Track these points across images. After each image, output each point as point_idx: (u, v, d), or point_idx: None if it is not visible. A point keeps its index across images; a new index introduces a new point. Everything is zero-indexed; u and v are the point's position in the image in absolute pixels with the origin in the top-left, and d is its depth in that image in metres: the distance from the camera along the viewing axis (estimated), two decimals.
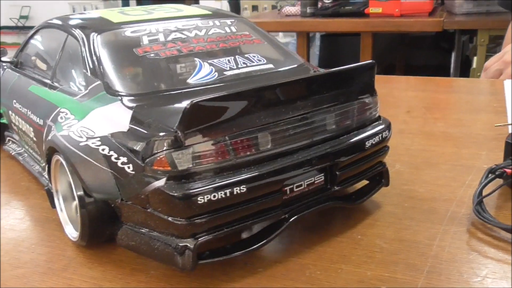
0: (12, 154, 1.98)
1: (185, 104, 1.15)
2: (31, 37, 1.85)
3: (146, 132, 1.15)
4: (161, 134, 1.11)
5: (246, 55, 1.47)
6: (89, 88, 1.37)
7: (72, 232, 1.39)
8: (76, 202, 1.42)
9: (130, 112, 1.23)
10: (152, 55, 1.40)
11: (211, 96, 1.09)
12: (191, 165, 1.10)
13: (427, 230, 1.36)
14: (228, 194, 1.11)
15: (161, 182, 1.10)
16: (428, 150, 1.89)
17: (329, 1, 7.05)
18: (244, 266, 1.26)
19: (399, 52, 6.92)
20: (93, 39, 1.45)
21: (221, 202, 1.11)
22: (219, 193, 1.10)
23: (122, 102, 1.27)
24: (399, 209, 1.48)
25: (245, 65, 1.42)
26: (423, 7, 5.58)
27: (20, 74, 1.84)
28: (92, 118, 1.29)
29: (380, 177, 1.45)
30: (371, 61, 1.33)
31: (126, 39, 1.46)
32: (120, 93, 1.30)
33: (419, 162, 1.78)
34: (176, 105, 1.25)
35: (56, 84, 1.55)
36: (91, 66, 1.39)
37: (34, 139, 1.66)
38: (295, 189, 1.25)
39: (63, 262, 1.34)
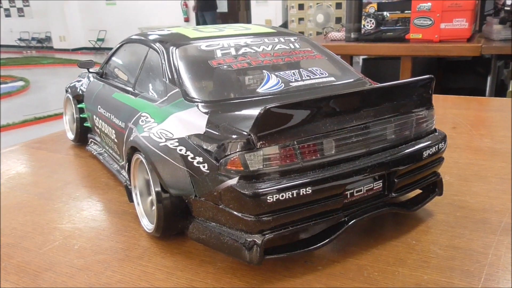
0: (94, 154, 2.01)
1: (257, 110, 1.13)
2: (116, 51, 1.89)
3: (221, 134, 1.13)
4: (235, 136, 1.09)
5: (309, 69, 1.43)
6: (168, 95, 1.37)
7: (147, 224, 1.38)
8: (151, 197, 1.42)
9: (206, 116, 1.21)
10: (225, 66, 1.39)
11: (283, 103, 1.06)
12: (261, 166, 1.07)
13: (480, 239, 1.27)
14: (294, 195, 1.07)
15: (233, 181, 1.08)
16: (476, 164, 1.78)
17: (371, 28, 6.93)
18: (304, 264, 1.21)
19: (436, 76, 6.71)
20: (172, 52, 1.45)
21: (288, 201, 1.07)
22: (287, 193, 1.07)
23: (198, 108, 1.26)
24: (451, 218, 1.39)
25: (308, 78, 1.39)
26: (462, 34, 5.38)
27: (105, 83, 1.87)
28: (171, 121, 1.29)
29: (434, 187, 1.37)
30: (429, 76, 1.26)
31: (202, 52, 1.46)
32: (196, 100, 1.29)
33: (468, 175, 1.68)
34: (248, 111, 1.23)
35: (137, 91, 1.56)
36: (170, 76, 1.39)
37: (115, 140, 1.68)
38: (355, 194, 1.20)
39: (139, 251, 1.33)
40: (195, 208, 1.23)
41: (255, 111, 1.20)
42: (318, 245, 1.15)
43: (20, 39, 15.11)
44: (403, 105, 1.25)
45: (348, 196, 1.18)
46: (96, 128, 1.96)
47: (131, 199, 1.51)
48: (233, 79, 1.38)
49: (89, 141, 2.12)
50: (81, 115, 2.12)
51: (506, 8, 5.61)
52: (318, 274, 1.17)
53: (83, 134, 2.17)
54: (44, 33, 14.74)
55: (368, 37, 5.69)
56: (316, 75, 1.41)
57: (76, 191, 1.76)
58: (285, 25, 12.35)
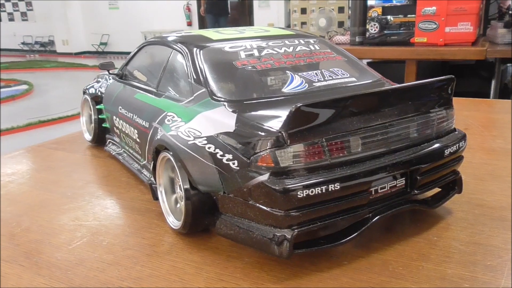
0: (113, 154, 2.05)
1: (284, 109, 1.17)
2: (136, 53, 1.92)
3: (251, 132, 1.17)
4: (266, 134, 1.13)
5: (330, 69, 1.47)
6: (194, 95, 1.41)
7: (173, 221, 1.42)
8: (175, 195, 1.46)
9: (235, 115, 1.25)
10: (249, 67, 1.43)
11: (313, 101, 1.10)
12: (291, 163, 1.11)
13: (500, 235, 1.31)
14: (323, 191, 1.11)
15: (264, 177, 1.11)
16: (490, 164, 1.82)
17: (375, 31, 6.97)
18: (330, 259, 1.24)
19: None
20: (197, 53, 1.49)
21: (317, 197, 1.11)
22: (316, 189, 1.10)
23: (225, 107, 1.30)
24: (470, 215, 1.43)
25: (331, 78, 1.43)
26: (466, 37, 5.41)
27: (125, 84, 1.91)
28: (198, 120, 1.32)
29: (453, 185, 1.41)
30: (451, 76, 1.30)
31: (226, 54, 1.50)
32: (223, 99, 1.33)
33: (483, 174, 1.72)
34: (275, 110, 1.26)
35: (161, 91, 1.60)
36: (196, 76, 1.43)
37: (138, 140, 1.71)
38: (379, 191, 1.23)
39: (166, 247, 1.36)
40: (223, 204, 1.26)
41: (282, 110, 1.25)
42: (345, 240, 1.19)
43: (23, 43, 15.17)
44: (425, 104, 1.29)
45: (373, 193, 1.22)
46: (115, 128, 2.00)
47: (155, 197, 1.54)
48: (257, 79, 1.42)
49: (107, 142, 2.16)
50: (99, 116, 2.15)
51: (511, 12, 5.65)
52: (344, 268, 1.20)
53: (100, 135, 2.20)
54: (47, 37, 14.79)
55: (372, 41, 5.75)
56: (338, 76, 1.45)
57: (98, 190, 1.80)
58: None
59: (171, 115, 1.44)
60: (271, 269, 1.22)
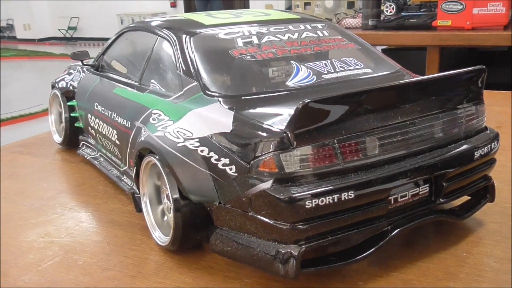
0: (87, 158, 2.06)
1: (289, 105, 1.19)
2: (115, 40, 1.94)
3: (251, 133, 1.18)
4: (268, 135, 1.14)
5: (342, 59, 1.49)
6: (184, 89, 1.42)
7: (160, 237, 1.43)
8: (162, 206, 1.47)
9: (232, 113, 1.26)
10: (248, 57, 1.44)
11: (323, 97, 1.11)
12: (298, 168, 1.12)
13: None
14: (335, 200, 1.12)
15: (267, 185, 1.12)
16: None
17: (391, 13, 7.02)
18: (343, 279, 1.26)
19: None
20: (187, 41, 1.50)
21: (328, 207, 1.12)
22: (327, 198, 1.12)
23: (221, 103, 1.31)
24: (504, 227, 1.45)
25: (342, 69, 1.45)
26: (498, 20, 5.43)
27: (102, 77, 1.92)
28: (189, 119, 1.34)
29: (484, 192, 1.43)
30: (481, 66, 1.32)
31: (220, 41, 1.51)
32: (218, 94, 1.34)
33: None
34: (279, 107, 1.28)
35: (144, 85, 1.61)
36: (186, 68, 1.44)
37: (117, 142, 1.73)
38: (399, 199, 1.25)
39: (152, 267, 1.38)
40: (219, 216, 1.28)
41: (287, 107, 1.27)
42: (360, 256, 1.20)
43: None
44: (452, 99, 1.31)
45: (392, 202, 1.24)
46: (90, 128, 2.01)
47: (138, 209, 1.55)
48: (258, 71, 1.43)
49: (81, 144, 2.17)
50: (71, 114, 2.16)
51: None
52: None
53: (72, 136, 2.21)
54: (5, 21, 14.76)
55: (388, 25, 5.78)
56: (351, 66, 1.47)
57: (71, 200, 1.81)
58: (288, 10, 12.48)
59: (156, 113, 1.46)
60: None
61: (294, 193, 1.10)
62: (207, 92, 1.36)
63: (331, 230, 1.17)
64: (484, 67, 1.33)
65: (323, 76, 1.40)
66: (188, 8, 14.53)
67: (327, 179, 1.14)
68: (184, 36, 1.53)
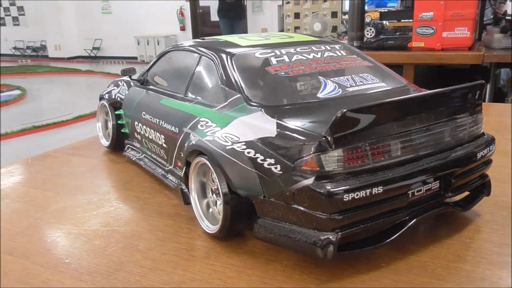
0: (133, 159, 2.05)
1: (323, 113, 1.20)
2: (158, 59, 1.94)
3: (294, 137, 1.19)
4: (310, 139, 1.15)
5: (360, 75, 1.50)
6: (228, 100, 1.42)
7: (208, 226, 1.43)
8: (207, 199, 1.48)
9: (274, 120, 1.27)
10: (282, 73, 1.45)
11: (358, 106, 1.12)
12: (336, 167, 1.13)
13: None
14: (367, 194, 1.13)
15: (309, 181, 1.13)
16: (508, 167, 1.86)
17: (371, 36, 7.04)
18: (368, 261, 1.27)
19: (435, 83, 6.85)
20: (229, 59, 1.51)
21: (361, 200, 1.13)
22: (361, 192, 1.13)
23: (263, 112, 1.32)
24: (497, 217, 1.46)
25: (362, 83, 1.45)
26: (463, 42, 5.49)
27: (148, 90, 1.91)
28: (235, 125, 1.34)
29: (482, 187, 1.44)
30: (481, 81, 1.33)
31: (257, 60, 1.52)
32: (260, 105, 1.35)
33: (504, 178, 1.76)
34: (314, 115, 1.29)
35: (190, 97, 1.61)
36: (229, 82, 1.45)
37: (164, 145, 1.72)
38: (415, 194, 1.26)
39: (203, 251, 1.37)
40: (262, 208, 1.28)
41: (321, 115, 1.28)
42: (387, 241, 1.22)
43: (15, 48, 15.03)
44: (458, 109, 1.32)
45: (410, 196, 1.24)
46: (136, 134, 2.01)
47: (186, 202, 1.56)
48: (292, 84, 1.44)
49: (126, 147, 2.16)
50: (118, 122, 2.16)
51: (507, 17, 5.73)
52: (383, 270, 1.23)
53: (118, 141, 2.21)
54: (39, 42, 14.69)
55: (370, 46, 5.82)
56: (368, 81, 1.48)
57: (123, 195, 1.80)
58: None
59: (204, 121, 1.46)
60: (311, 271, 1.24)
61: (333, 188, 1.11)
62: (250, 102, 1.37)
63: (363, 220, 1.18)
64: (483, 82, 1.35)
65: (347, 89, 1.41)
66: (195, 31, 14.55)
67: (359, 176, 1.15)
68: (225, 55, 1.54)
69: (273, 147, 1.21)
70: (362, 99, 1.37)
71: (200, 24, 14.46)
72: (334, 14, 11.93)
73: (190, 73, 1.66)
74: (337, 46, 1.67)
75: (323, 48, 1.63)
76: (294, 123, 1.24)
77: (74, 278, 1.27)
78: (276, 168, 1.20)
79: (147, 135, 1.88)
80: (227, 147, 1.31)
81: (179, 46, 1.82)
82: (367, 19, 6.44)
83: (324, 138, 1.12)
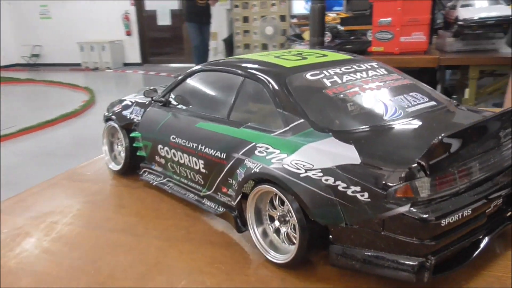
0: (153, 183, 1.95)
1: (400, 136, 1.22)
2: (184, 79, 1.85)
3: (384, 164, 1.17)
4: (404, 166, 1.14)
5: (410, 94, 1.51)
6: (290, 125, 1.38)
7: (275, 256, 1.38)
8: (263, 227, 1.44)
9: (351, 146, 1.25)
10: (341, 95, 1.43)
11: (452, 131, 1.13)
12: (430, 192, 1.13)
13: None
14: (460, 217, 1.15)
15: (405, 208, 1.12)
16: None
17: (328, 41, 7.21)
18: (445, 281, 1.27)
19: None
20: (283, 82, 1.47)
21: (454, 223, 1.15)
22: (455, 215, 1.14)
23: (335, 138, 1.29)
24: None
25: (416, 103, 1.47)
26: (419, 46, 5.77)
27: (176, 112, 1.82)
28: (306, 152, 1.31)
29: None
30: None
31: (311, 82, 1.49)
32: (329, 130, 1.32)
33: None
34: (391, 139, 1.28)
35: (236, 121, 1.55)
36: (288, 106, 1.41)
37: (202, 170, 1.65)
38: (487, 212, 1.29)
39: (277, 282, 1.33)
40: (342, 235, 1.26)
41: (398, 138, 1.28)
42: (470, 259, 1.24)
43: None
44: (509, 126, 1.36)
45: (487, 215, 1.27)
46: (159, 158, 1.90)
47: (240, 230, 1.50)
48: (354, 107, 1.42)
49: (142, 171, 2.05)
50: (134, 145, 2.04)
51: (459, 22, 6.05)
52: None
53: (131, 165, 2.09)
54: None
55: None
56: (420, 100, 1.49)
57: (159, 225, 1.70)
58: (230, 37, 12.43)
59: (263, 147, 1.41)
60: None
61: (431, 214, 1.11)
62: (317, 127, 1.34)
63: (451, 242, 1.19)
64: None
65: (406, 110, 1.42)
66: (142, 36, 14.16)
67: (450, 200, 1.16)
68: (276, 77, 1.49)
69: (358, 175, 1.19)
70: (424, 120, 1.38)
71: (147, 29, 14.12)
72: (282, 18, 12.10)
73: (233, 96, 1.59)
74: (374, 64, 1.68)
75: (363, 67, 1.63)
76: (378, 149, 1.23)
77: None
78: (362, 195, 1.18)
79: (176, 159, 1.79)
80: (301, 175, 1.27)
81: (211, 67, 1.75)
82: None
83: (420, 165, 1.12)
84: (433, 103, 1.51)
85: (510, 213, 1.39)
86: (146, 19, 14.73)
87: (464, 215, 1.15)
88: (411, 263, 1.15)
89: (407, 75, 1.68)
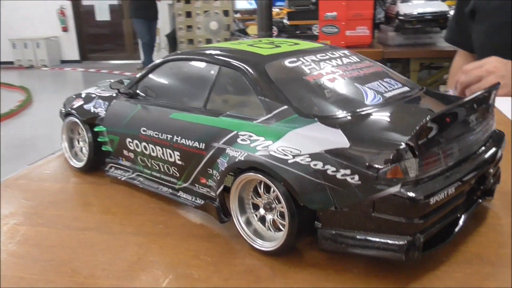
0: (122, 179, 1.87)
1: (383, 120, 1.25)
2: (151, 71, 1.78)
3: (374, 146, 1.19)
4: (394, 147, 1.16)
5: (384, 80, 1.55)
6: (273, 112, 1.37)
7: (264, 243, 1.37)
8: (246, 215, 1.43)
9: (338, 130, 1.25)
10: (321, 81, 1.44)
11: (437, 114, 1.16)
12: (418, 172, 1.16)
13: None
14: (445, 195, 1.20)
15: (396, 189, 1.15)
16: None
17: (274, 35, 7.28)
18: (430, 258, 1.32)
19: None
20: (262, 70, 1.45)
21: (440, 202, 1.19)
22: (441, 194, 1.18)
23: (320, 123, 1.29)
24: (504, 202, 1.62)
25: (392, 88, 1.50)
26: (364, 40, 5.99)
27: (144, 104, 1.75)
28: (291, 138, 1.30)
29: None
30: (497, 82, 1.47)
31: (290, 69, 1.48)
32: (314, 115, 1.32)
33: None
34: (376, 123, 1.30)
35: (214, 110, 1.52)
36: (270, 93, 1.39)
37: (179, 162, 1.60)
38: (466, 190, 1.35)
39: (267, 270, 1.31)
40: (331, 219, 1.26)
41: (383, 122, 1.31)
42: (451, 237, 1.29)
43: None
44: (486, 109, 1.44)
45: (465, 193, 1.33)
46: (127, 152, 1.83)
47: (222, 220, 1.47)
48: (336, 93, 1.42)
49: (108, 167, 1.96)
50: (98, 139, 1.94)
51: (399, 17, 6.31)
52: (449, 265, 1.29)
53: (94, 161, 1.99)
54: None
55: None
56: (394, 86, 1.53)
57: (134, 221, 1.63)
58: (173, 32, 12.21)
59: (246, 134, 1.39)
60: (386, 274, 1.26)
61: (421, 193, 1.15)
62: (302, 113, 1.33)
63: (437, 220, 1.23)
64: (499, 82, 1.48)
65: (384, 95, 1.45)
66: (80, 32, 13.57)
67: (435, 180, 1.20)
68: (255, 65, 1.47)
69: (347, 159, 1.20)
70: (402, 105, 1.42)
71: (84, 25, 13.52)
72: (226, 13, 12.04)
73: (209, 85, 1.55)
74: (347, 52, 1.70)
75: (337, 54, 1.65)
76: (365, 133, 1.24)
77: None
78: (353, 178, 1.19)
79: (147, 152, 1.72)
80: (289, 161, 1.27)
81: (183, 56, 1.70)
82: None
83: (409, 146, 1.14)
84: (406, 88, 1.55)
85: (480, 192, 1.46)
86: (83, 14, 14.08)
87: (449, 193, 1.20)
88: (400, 242, 1.18)
89: (378, 63, 1.72)
